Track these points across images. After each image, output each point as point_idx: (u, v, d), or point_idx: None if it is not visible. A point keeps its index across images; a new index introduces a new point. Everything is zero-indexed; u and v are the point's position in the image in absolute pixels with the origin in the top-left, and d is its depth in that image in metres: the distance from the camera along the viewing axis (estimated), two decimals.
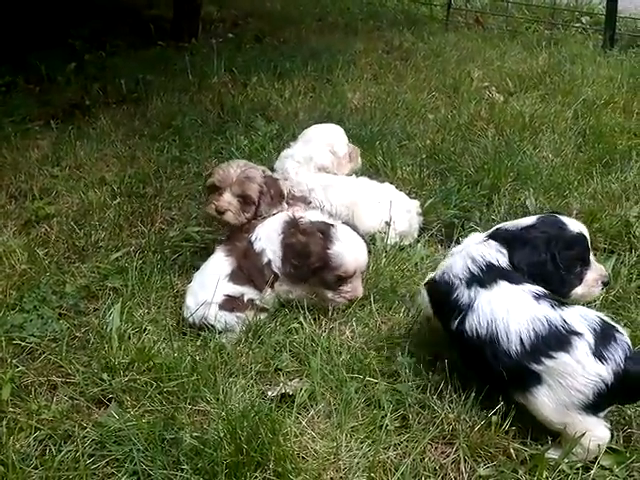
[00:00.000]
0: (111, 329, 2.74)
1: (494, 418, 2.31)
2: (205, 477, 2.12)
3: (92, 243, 3.49)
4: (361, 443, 2.28)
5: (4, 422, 2.34)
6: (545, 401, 2.20)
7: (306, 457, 2.22)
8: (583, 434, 2.18)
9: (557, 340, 2.20)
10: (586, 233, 2.51)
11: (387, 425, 2.33)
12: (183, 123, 4.89)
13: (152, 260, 3.30)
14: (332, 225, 2.91)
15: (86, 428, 2.31)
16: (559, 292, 2.43)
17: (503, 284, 2.36)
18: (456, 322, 2.38)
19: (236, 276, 2.88)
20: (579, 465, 2.21)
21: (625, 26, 7.51)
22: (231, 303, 2.83)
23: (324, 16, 8.44)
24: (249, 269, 2.90)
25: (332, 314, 2.90)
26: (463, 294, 2.39)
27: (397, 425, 2.37)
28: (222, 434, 2.20)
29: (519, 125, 4.68)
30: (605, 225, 3.44)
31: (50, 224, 3.69)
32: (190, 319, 2.84)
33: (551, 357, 2.18)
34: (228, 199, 3.09)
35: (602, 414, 2.23)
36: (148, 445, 2.21)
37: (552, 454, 2.24)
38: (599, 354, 2.16)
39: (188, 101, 5.38)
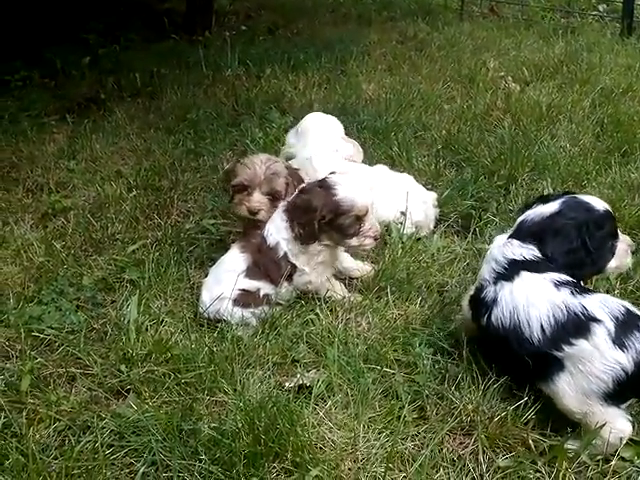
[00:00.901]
0: (128, 321, 2.75)
1: (513, 409, 2.29)
2: (223, 467, 2.12)
3: (109, 236, 3.51)
4: (379, 434, 2.27)
5: (24, 413, 2.35)
6: (566, 389, 2.19)
7: (324, 447, 2.22)
8: (603, 425, 2.16)
9: (576, 327, 2.19)
10: (609, 207, 2.52)
11: (405, 416, 2.32)
12: (198, 116, 4.89)
13: (168, 252, 3.30)
14: (326, 177, 2.91)
15: (105, 419, 2.32)
16: (595, 270, 2.47)
17: (524, 274, 2.35)
18: (485, 318, 2.39)
19: (252, 271, 2.87)
20: (599, 457, 2.19)
21: None
22: (246, 298, 2.83)
23: (337, 7, 8.42)
24: (265, 264, 2.89)
25: (349, 306, 2.90)
26: (490, 291, 2.41)
27: (415, 416, 2.36)
28: (240, 425, 2.20)
29: (536, 115, 4.63)
30: (624, 215, 3.41)
31: (67, 217, 3.71)
32: (205, 314, 2.85)
33: (571, 344, 2.18)
34: (259, 199, 3.06)
35: (624, 406, 2.20)
36: (166, 436, 2.22)
37: (571, 445, 2.23)
38: (619, 342, 2.13)
39: (202, 94, 5.39)
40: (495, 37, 6.75)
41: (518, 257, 2.41)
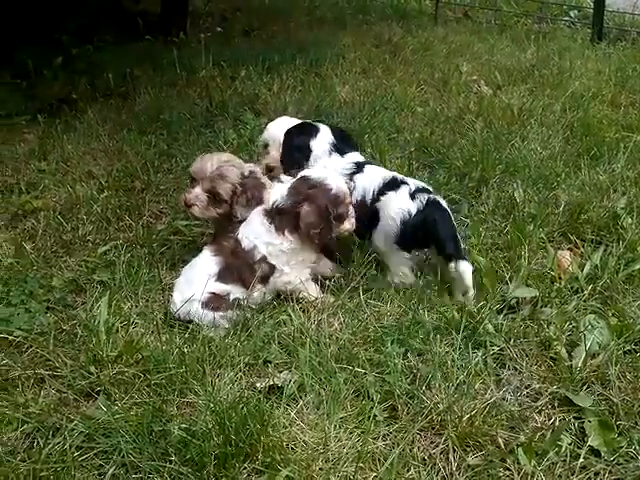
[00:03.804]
0: (99, 322, 2.72)
1: (482, 407, 2.31)
2: (194, 468, 2.11)
3: (79, 237, 3.47)
4: (350, 433, 2.27)
5: None
6: (378, 231, 3.04)
7: (295, 448, 2.21)
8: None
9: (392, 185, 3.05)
10: None
11: (376, 416, 2.33)
12: (171, 117, 4.87)
13: (140, 253, 3.28)
14: (304, 177, 2.97)
15: (74, 421, 2.29)
16: None
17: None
18: None
19: (223, 275, 2.87)
20: (567, 453, 2.22)
21: (613, 20, 7.57)
22: (215, 301, 2.82)
23: (313, 10, 8.44)
24: (239, 267, 2.88)
25: (321, 306, 2.90)
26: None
27: (386, 415, 2.37)
28: (210, 425, 2.19)
29: (507, 118, 4.70)
30: (593, 216, 3.47)
31: (37, 218, 3.66)
32: (176, 315, 2.83)
33: (384, 194, 3.03)
34: (197, 193, 3.05)
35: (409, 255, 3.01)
36: (136, 437, 2.19)
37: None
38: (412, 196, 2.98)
39: (176, 95, 5.37)
40: (468, 41, 6.84)
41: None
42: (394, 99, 5.13)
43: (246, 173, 3.11)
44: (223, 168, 3.06)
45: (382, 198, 3.05)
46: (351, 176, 3.16)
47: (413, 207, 2.95)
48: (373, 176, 3.14)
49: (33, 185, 4.04)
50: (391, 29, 7.34)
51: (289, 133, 3.35)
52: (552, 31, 7.27)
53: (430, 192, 3.05)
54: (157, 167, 4.19)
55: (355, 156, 3.31)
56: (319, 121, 3.65)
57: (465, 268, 2.89)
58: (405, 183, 3.06)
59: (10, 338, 2.72)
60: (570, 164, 4.04)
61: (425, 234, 2.96)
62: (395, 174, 3.17)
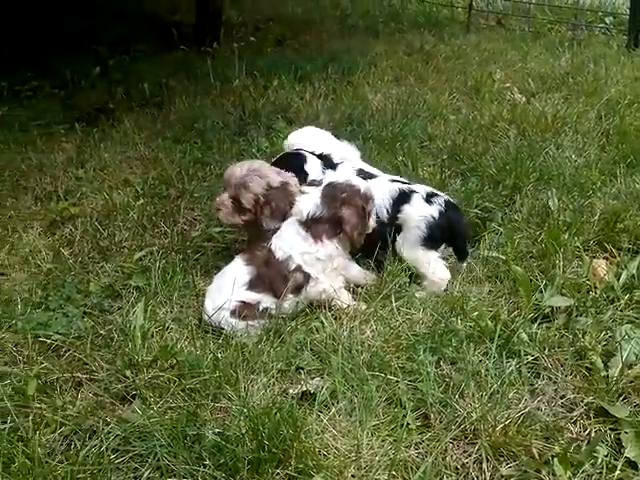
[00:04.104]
0: (134, 327, 2.76)
1: (517, 417, 2.29)
2: (227, 473, 2.13)
3: (116, 243, 3.54)
4: (382, 441, 2.27)
5: (30, 417, 2.36)
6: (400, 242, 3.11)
7: (327, 454, 2.22)
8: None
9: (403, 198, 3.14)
10: None
11: (408, 424, 2.32)
12: (205, 126, 4.94)
13: (175, 260, 3.33)
14: (331, 183, 3.02)
15: (110, 424, 2.32)
16: None
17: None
18: None
19: (254, 284, 2.89)
20: (603, 465, 2.18)
21: None
22: (245, 310, 2.83)
23: (345, 19, 8.49)
24: (271, 277, 2.90)
25: (353, 314, 2.91)
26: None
27: (418, 424, 2.35)
28: (244, 431, 2.20)
29: (541, 126, 4.65)
30: (629, 225, 3.41)
31: (75, 224, 3.75)
32: (209, 322, 2.86)
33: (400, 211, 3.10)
34: (224, 198, 3.11)
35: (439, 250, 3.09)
36: (171, 441, 2.22)
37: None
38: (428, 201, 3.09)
39: (210, 104, 5.45)
40: (502, 49, 6.80)
41: None
42: (426, 107, 5.12)
43: (274, 184, 3.10)
44: (247, 177, 3.08)
45: (400, 216, 3.14)
46: None
47: (435, 211, 3.07)
48: (382, 191, 3.18)
49: (71, 192, 4.13)
50: (423, 37, 7.34)
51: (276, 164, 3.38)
52: (587, 38, 7.19)
53: (440, 195, 3.19)
54: (191, 175, 4.25)
55: (348, 166, 3.39)
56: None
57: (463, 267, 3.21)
58: (415, 192, 3.15)
59: (49, 342, 2.79)
60: (606, 172, 3.99)
61: (450, 233, 3.12)
62: (399, 184, 3.22)
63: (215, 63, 6.32)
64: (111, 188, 4.14)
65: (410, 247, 3.11)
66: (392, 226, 3.13)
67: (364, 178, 3.18)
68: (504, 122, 4.76)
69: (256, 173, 3.11)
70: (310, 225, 2.95)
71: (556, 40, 7.10)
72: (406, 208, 3.12)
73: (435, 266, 3.11)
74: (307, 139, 3.60)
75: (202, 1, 7.41)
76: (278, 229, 3.02)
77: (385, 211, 3.15)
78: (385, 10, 8.94)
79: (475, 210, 3.61)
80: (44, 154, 4.67)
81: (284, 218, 3.06)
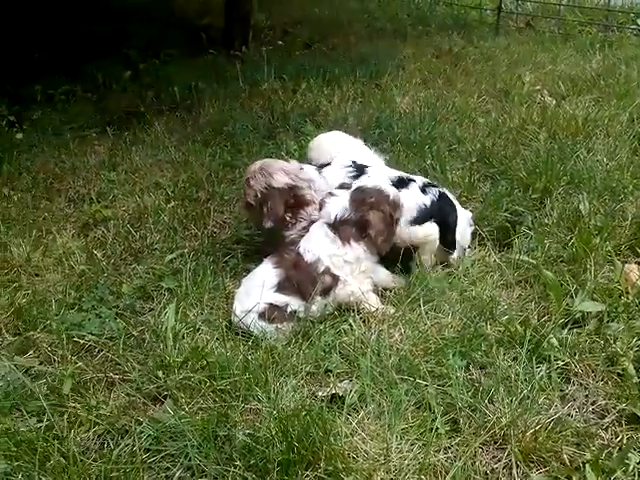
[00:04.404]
0: (166, 328, 2.80)
1: (547, 423, 2.28)
2: (258, 474, 2.15)
3: (147, 245, 3.59)
4: (411, 445, 2.28)
5: (65, 416, 2.42)
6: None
7: (357, 457, 2.23)
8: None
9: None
10: None
11: (437, 428, 2.32)
12: (234, 129, 4.99)
13: (205, 262, 3.36)
14: (361, 188, 3.06)
15: (142, 424, 2.36)
16: None
17: None
18: None
19: (283, 287, 2.90)
20: (635, 472, 2.16)
21: None
22: (273, 313, 2.85)
23: (372, 22, 8.49)
24: (300, 280, 2.91)
25: (382, 317, 2.92)
26: None
27: (447, 428, 2.35)
28: (274, 432, 2.23)
29: (572, 129, 4.60)
30: None
31: (107, 227, 3.81)
32: (237, 324, 2.89)
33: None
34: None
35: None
36: (202, 441, 2.25)
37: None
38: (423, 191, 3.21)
39: (239, 107, 5.49)
40: (531, 51, 6.74)
41: None
42: (455, 110, 5.11)
43: (277, 184, 3.15)
44: (253, 174, 3.18)
45: None
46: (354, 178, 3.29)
47: (427, 200, 3.21)
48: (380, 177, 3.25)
49: (103, 195, 4.20)
50: (451, 40, 7.31)
51: None
52: (618, 39, 7.08)
53: (437, 185, 3.35)
54: (221, 178, 4.29)
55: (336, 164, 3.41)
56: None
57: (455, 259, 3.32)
58: (413, 180, 3.28)
59: (82, 342, 2.84)
60: (638, 175, 3.93)
61: (440, 222, 3.24)
62: (400, 173, 3.35)
63: (244, 66, 6.38)
64: (142, 191, 4.20)
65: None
66: None
67: (358, 171, 3.29)
68: (534, 125, 4.72)
69: (263, 171, 3.18)
70: (338, 227, 2.98)
71: (586, 42, 7.02)
72: (402, 192, 3.17)
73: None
74: (332, 145, 3.62)
75: (231, 5, 7.47)
76: (298, 234, 3.11)
77: None
78: (413, 13, 8.92)
79: (505, 214, 3.58)
80: (77, 157, 4.76)
81: (280, 221, 3.16)
